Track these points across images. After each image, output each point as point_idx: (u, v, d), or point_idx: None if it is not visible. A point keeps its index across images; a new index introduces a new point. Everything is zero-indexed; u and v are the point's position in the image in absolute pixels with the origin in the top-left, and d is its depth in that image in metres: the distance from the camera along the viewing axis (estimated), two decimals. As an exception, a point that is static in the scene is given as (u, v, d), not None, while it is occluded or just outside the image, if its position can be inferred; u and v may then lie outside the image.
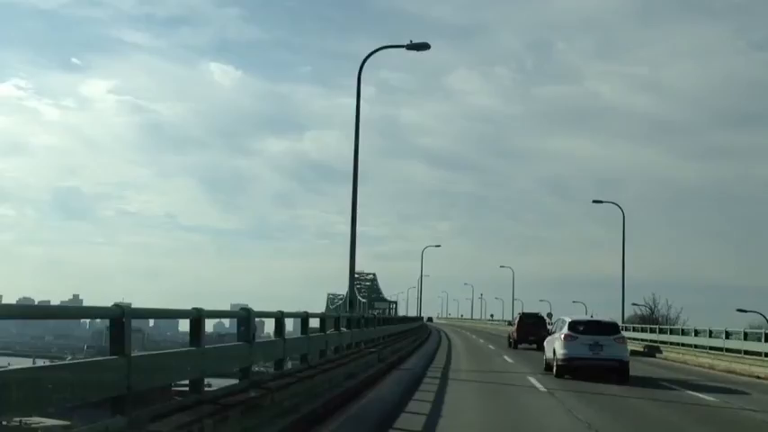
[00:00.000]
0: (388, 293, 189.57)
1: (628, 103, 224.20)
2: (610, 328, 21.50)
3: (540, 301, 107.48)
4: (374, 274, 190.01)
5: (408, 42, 24.49)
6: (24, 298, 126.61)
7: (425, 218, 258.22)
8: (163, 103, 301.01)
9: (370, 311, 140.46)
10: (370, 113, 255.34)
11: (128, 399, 6.29)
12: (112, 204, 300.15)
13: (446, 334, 61.21)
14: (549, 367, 21.87)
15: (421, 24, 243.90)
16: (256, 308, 9.79)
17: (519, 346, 38.92)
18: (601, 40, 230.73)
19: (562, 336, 20.74)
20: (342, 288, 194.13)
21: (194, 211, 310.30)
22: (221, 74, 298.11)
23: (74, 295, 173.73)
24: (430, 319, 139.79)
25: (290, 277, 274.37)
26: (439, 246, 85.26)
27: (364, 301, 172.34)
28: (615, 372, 20.02)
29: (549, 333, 24.37)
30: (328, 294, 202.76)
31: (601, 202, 50.70)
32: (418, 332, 50.73)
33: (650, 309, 58.15)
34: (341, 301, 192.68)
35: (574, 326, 21.17)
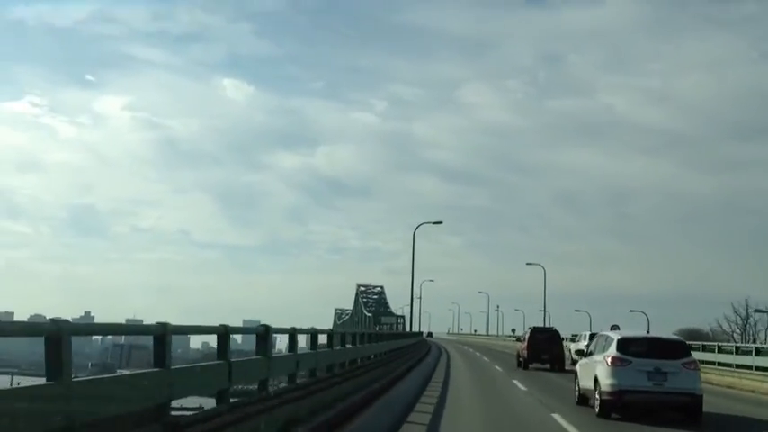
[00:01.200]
0: (399, 308, 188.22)
1: (640, 115, 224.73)
2: (676, 349, 15.96)
3: (576, 311, 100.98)
4: (382, 287, 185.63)
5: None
6: (36, 315, 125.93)
7: (437, 232, 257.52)
8: (176, 120, 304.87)
9: (377, 326, 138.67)
10: (382, 127, 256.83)
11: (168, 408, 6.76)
12: (126, 221, 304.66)
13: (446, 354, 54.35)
14: (583, 400, 17.15)
15: (433, 38, 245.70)
16: (269, 323, 10.09)
17: (530, 365, 34.92)
18: (613, 53, 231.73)
19: (608, 359, 15.50)
20: (349, 303, 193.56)
21: (208, 228, 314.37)
22: (234, 89, 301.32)
23: (85, 312, 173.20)
24: (430, 335, 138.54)
25: (301, 293, 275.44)
26: (440, 222, 72.90)
27: (369, 315, 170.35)
28: (684, 409, 15.23)
29: (585, 354, 18.46)
30: (336, 309, 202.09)
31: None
32: (414, 350, 42.74)
33: (743, 322, 52.22)
34: (348, 317, 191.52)
35: (625, 345, 15.72)
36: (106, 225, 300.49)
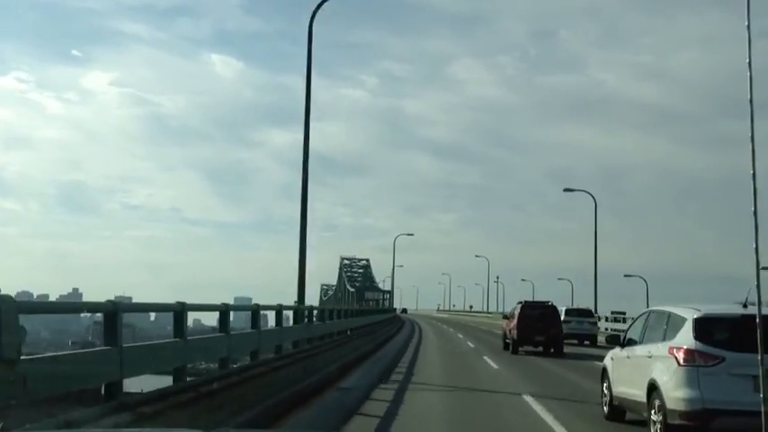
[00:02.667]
0: (387, 284, 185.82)
1: (633, 91, 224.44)
2: None
3: (560, 279, 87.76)
4: (367, 260, 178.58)
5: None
6: (23, 292, 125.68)
7: (430, 209, 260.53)
8: (165, 96, 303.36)
9: (362, 302, 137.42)
10: (374, 104, 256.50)
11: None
12: (117, 198, 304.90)
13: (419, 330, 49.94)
14: (617, 415, 11.64)
15: (423, 13, 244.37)
16: (260, 300, 10.35)
17: (519, 349, 28.48)
18: (605, 28, 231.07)
19: (681, 353, 9.30)
20: (334, 279, 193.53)
21: (199, 205, 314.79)
22: (222, 65, 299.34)
23: (73, 289, 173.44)
24: (404, 311, 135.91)
25: (293, 270, 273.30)
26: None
27: (353, 290, 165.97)
28: None
29: (623, 341, 11.76)
30: (322, 285, 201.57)
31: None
32: (379, 330, 37.31)
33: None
34: (333, 293, 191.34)
35: (708, 329, 9.48)
36: (96, 202, 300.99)
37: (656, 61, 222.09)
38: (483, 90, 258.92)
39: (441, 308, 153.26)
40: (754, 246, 5.63)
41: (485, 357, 25.86)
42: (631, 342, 11.29)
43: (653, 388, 9.58)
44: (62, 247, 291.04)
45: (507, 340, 30.28)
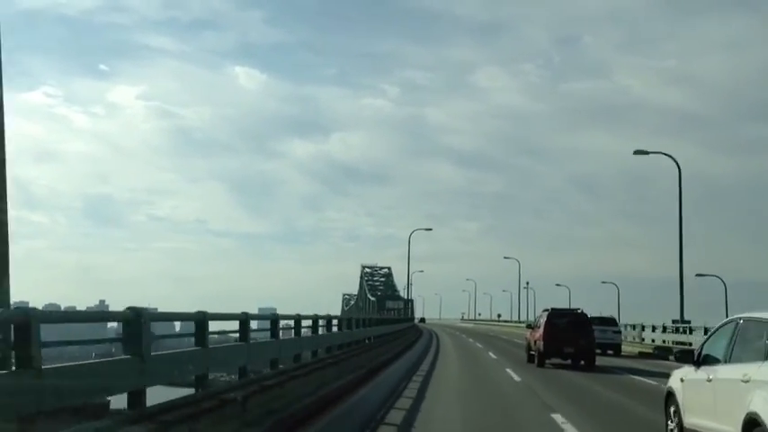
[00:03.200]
0: (418, 300, 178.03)
1: (658, 97, 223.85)
2: None
3: (557, 285, 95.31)
4: (389, 269, 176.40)
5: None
6: (50, 304, 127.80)
7: (453, 218, 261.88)
8: (189, 108, 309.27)
9: (383, 311, 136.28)
10: (396, 113, 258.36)
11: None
12: (143, 210, 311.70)
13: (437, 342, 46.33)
14: None
15: (444, 22, 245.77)
16: (282, 311, 9.98)
17: (546, 362, 26.37)
18: (629, 34, 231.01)
19: None
20: (357, 288, 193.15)
21: (223, 216, 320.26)
22: (246, 77, 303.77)
23: (100, 301, 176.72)
24: (422, 320, 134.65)
25: (317, 280, 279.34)
26: (431, 229, 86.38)
27: (373, 299, 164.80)
28: None
29: (697, 358, 9.48)
30: (344, 295, 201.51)
31: (646, 152, 44.80)
32: (394, 341, 33.39)
33: None
34: (354, 302, 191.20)
35: None
36: (122, 214, 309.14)
37: (681, 66, 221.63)
38: (506, 98, 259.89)
39: (465, 317, 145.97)
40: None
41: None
42: (711, 360, 9.04)
43: (753, 424, 7.17)
44: (89, 259, 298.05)
45: (532, 352, 27.87)
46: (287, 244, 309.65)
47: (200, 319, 8.58)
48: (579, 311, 28.94)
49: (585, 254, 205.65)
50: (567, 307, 32.60)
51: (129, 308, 6.97)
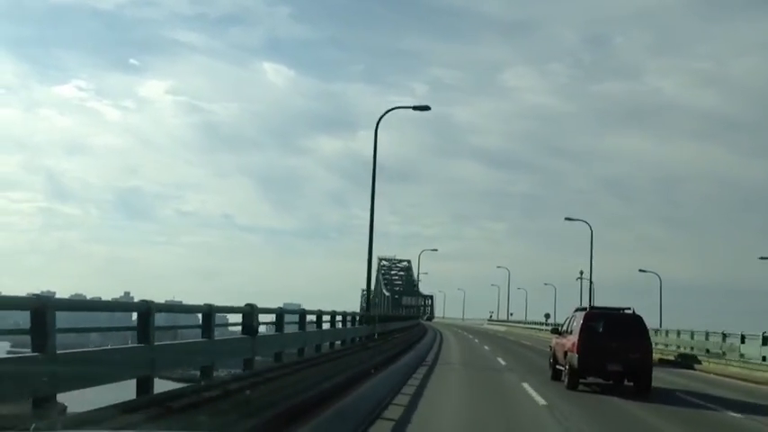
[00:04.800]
0: (438, 296, 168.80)
1: (691, 99, 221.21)
2: None
3: (545, 284, 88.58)
4: (409, 262, 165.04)
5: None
6: (76, 294, 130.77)
7: (479, 218, 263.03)
8: (218, 103, 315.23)
9: (399, 308, 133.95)
10: (423, 112, 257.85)
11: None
12: (171, 204, 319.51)
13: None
14: None
15: (472, 20, 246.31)
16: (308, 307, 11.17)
17: (581, 381, 19.40)
18: (661, 34, 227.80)
19: None
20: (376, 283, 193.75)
21: (250, 211, 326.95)
22: (274, 73, 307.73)
23: (125, 293, 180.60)
24: (429, 319, 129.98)
25: (342, 276, 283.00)
26: (436, 250, 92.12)
27: (388, 294, 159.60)
28: None
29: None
30: (362, 290, 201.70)
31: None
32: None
33: None
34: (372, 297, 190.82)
35: None
36: (151, 208, 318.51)
37: (715, 68, 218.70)
38: (535, 98, 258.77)
39: (493, 317, 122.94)
40: None
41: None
42: None
43: None
44: (118, 251, 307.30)
45: (559, 366, 20.78)
46: (313, 240, 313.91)
47: (206, 311, 9.12)
48: (630, 311, 20.49)
49: (614, 256, 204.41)
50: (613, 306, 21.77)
51: (142, 300, 7.54)
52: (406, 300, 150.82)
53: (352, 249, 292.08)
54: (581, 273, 79.01)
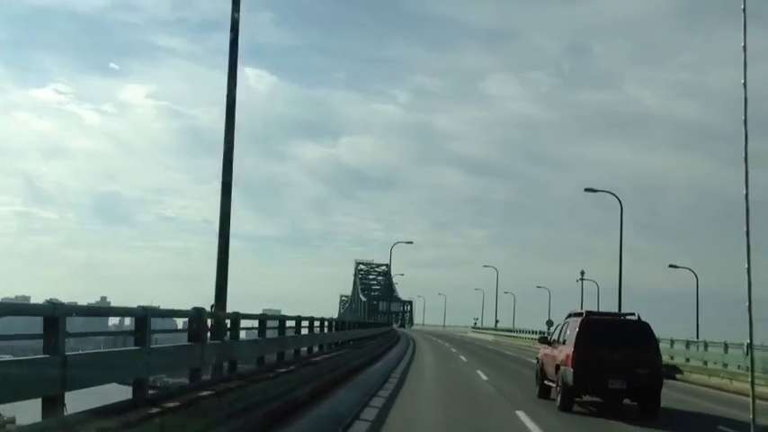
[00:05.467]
0: (418, 303, 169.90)
1: (671, 109, 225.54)
2: None
3: (538, 287, 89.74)
4: (387, 266, 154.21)
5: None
6: (51, 299, 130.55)
7: (460, 225, 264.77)
8: (199, 108, 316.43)
9: (376, 314, 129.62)
10: (405, 119, 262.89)
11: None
12: (152, 209, 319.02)
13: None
14: None
15: (454, 28, 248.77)
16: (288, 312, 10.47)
17: (575, 401, 16.76)
18: (641, 44, 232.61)
19: None
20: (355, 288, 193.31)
21: (231, 217, 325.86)
22: (256, 79, 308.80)
23: (101, 298, 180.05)
24: (402, 326, 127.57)
25: (324, 283, 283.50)
26: (411, 242, 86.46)
27: (365, 299, 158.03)
28: None
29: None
30: (341, 297, 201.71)
31: (594, 191, 49.23)
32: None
33: None
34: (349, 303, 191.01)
35: None
36: (131, 213, 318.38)
37: (694, 78, 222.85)
38: (516, 106, 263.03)
39: (478, 324, 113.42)
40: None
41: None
42: None
43: None
44: (96, 256, 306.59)
45: (549, 382, 18.15)
46: (295, 247, 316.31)
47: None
48: (635, 317, 17.71)
49: (593, 264, 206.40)
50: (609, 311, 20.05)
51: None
52: (383, 305, 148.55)
53: (334, 257, 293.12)
54: (582, 273, 71.98)
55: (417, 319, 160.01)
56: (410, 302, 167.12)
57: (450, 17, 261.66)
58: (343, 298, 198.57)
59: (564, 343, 17.30)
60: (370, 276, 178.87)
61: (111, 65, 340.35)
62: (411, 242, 77.18)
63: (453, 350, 49.17)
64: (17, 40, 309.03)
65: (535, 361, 20.35)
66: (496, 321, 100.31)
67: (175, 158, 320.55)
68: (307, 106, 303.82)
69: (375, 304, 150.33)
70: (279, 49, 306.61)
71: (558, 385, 16.93)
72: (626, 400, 16.71)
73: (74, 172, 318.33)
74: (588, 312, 18.23)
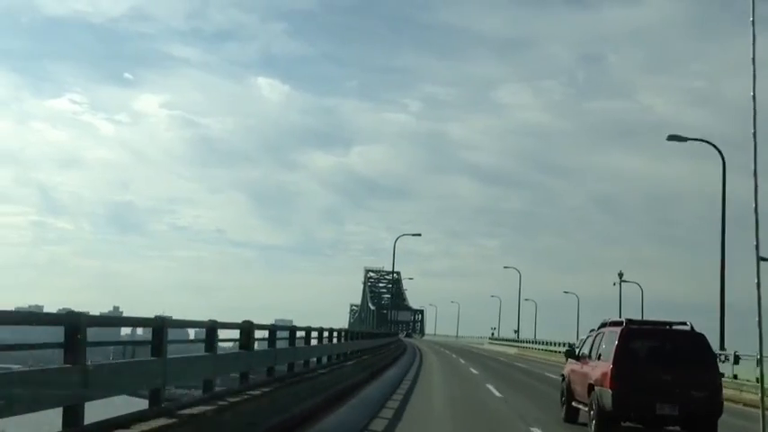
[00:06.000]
0: (429, 313, 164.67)
1: (683, 117, 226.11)
2: None
3: (565, 293, 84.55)
4: (398, 274, 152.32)
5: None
6: (64, 308, 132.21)
7: (473, 235, 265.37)
8: (212, 118, 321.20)
9: (385, 324, 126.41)
10: (417, 128, 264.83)
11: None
12: (165, 219, 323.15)
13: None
14: None
15: (466, 37, 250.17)
16: (300, 322, 10.65)
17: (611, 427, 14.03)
18: (654, 53, 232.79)
19: None
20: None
21: (243, 226, 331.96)
22: (269, 88, 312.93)
23: (114, 307, 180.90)
24: (408, 335, 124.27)
25: (336, 293, 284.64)
26: (419, 234, 73.91)
27: (374, 308, 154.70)
28: None
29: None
30: (351, 306, 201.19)
31: (684, 139, 35.17)
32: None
33: None
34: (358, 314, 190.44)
35: None
36: (144, 222, 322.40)
37: (708, 87, 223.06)
38: (529, 115, 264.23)
39: (495, 335, 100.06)
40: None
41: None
42: None
43: None
44: (110, 265, 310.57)
45: (578, 404, 15.66)
46: (306, 256, 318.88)
47: (210, 327, 10.13)
48: (688, 328, 14.70)
49: (605, 273, 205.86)
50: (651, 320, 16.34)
51: (156, 316, 8.52)
52: (393, 315, 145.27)
53: (346, 266, 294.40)
54: (620, 275, 61.42)
55: (429, 328, 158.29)
56: (421, 311, 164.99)
57: (462, 26, 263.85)
58: (354, 307, 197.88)
59: (598, 358, 14.60)
60: (380, 284, 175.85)
61: (126, 75, 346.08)
62: (419, 234, 71.23)
63: (473, 371, 36.09)
64: (33, 50, 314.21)
65: (560, 378, 17.89)
66: (516, 331, 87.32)
67: (188, 168, 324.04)
68: (319, 115, 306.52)
69: (384, 313, 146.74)
70: (291, 59, 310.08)
71: (591, 409, 14.18)
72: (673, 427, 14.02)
73: (88, 182, 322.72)
74: (629, 321, 15.01)
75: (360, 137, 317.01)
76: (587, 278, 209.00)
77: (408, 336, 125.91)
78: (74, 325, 7.04)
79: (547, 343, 64.06)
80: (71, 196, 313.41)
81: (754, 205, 6.33)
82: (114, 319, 9.77)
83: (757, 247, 6.25)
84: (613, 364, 13.53)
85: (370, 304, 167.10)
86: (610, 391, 13.41)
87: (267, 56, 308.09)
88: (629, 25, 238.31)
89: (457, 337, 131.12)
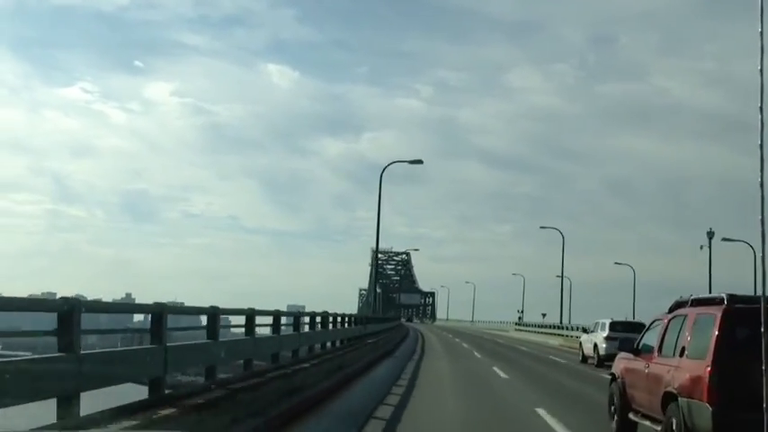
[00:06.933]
0: (441, 296, 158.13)
1: (697, 99, 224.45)
2: None
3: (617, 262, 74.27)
4: (408, 254, 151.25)
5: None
6: (77, 296, 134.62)
7: (485, 220, 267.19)
8: (222, 105, 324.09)
9: (393, 308, 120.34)
10: (428, 113, 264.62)
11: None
12: (178, 206, 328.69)
13: None
14: None
15: (477, 21, 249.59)
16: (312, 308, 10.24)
17: None
18: (667, 34, 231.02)
19: None
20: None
21: (255, 213, 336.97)
22: (278, 75, 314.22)
23: (126, 294, 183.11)
24: (410, 320, 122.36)
25: (348, 278, 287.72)
26: (421, 161, 54.22)
27: (379, 291, 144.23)
28: None
29: None
30: (360, 290, 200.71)
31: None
32: None
33: None
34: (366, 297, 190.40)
35: None
36: (157, 210, 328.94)
37: (721, 68, 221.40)
38: (540, 98, 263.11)
39: (522, 320, 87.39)
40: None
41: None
42: None
43: None
44: (123, 253, 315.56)
45: (639, 417, 11.49)
46: (319, 242, 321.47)
47: (212, 313, 9.93)
48: None
49: (618, 258, 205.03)
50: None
51: (155, 303, 8.34)
52: (404, 298, 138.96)
53: (358, 251, 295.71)
54: (710, 235, 54.00)
55: (440, 313, 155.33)
56: (432, 294, 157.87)
57: (471, 9, 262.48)
58: (363, 291, 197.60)
59: (678, 354, 10.17)
60: (388, 266, 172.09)
61: (136, 63, 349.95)
62: (421, 161, 47.49)
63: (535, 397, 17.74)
64: (43, 39, 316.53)
65: (609, 378, 13.64)
66: (562, 316, 68.69)
67: (200, 155, 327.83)
68: (329, 101, 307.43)
69: (393, 297, 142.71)
70: (301, 45, 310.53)
71: (667, 429, 9.84)
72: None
73: (101, 170, 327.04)
74: (732, 297, 9.85)
75: (370, 123, 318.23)
76: (600, 261, 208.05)
77: (409, 320, 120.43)
78: (65, 311, 6.86)
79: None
80: (84, 185, 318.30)
81: (759, 180, 5.95)
82: (112, 306, 9.59)
83: (763, 221, 5.90)
84: (713, 364, 9.11)
85: (377, 287, 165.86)
86: (707, 405, 9.01)
87: (276, 42, 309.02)
88: (641, 7, 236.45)
89: (472, 321, 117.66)
